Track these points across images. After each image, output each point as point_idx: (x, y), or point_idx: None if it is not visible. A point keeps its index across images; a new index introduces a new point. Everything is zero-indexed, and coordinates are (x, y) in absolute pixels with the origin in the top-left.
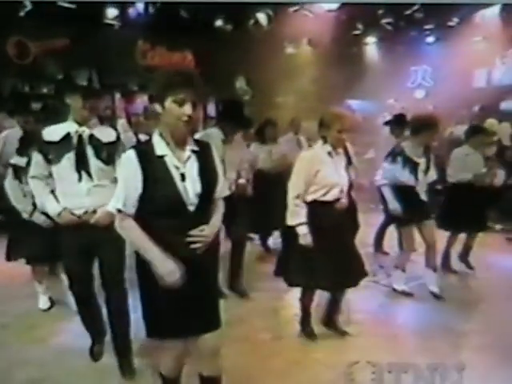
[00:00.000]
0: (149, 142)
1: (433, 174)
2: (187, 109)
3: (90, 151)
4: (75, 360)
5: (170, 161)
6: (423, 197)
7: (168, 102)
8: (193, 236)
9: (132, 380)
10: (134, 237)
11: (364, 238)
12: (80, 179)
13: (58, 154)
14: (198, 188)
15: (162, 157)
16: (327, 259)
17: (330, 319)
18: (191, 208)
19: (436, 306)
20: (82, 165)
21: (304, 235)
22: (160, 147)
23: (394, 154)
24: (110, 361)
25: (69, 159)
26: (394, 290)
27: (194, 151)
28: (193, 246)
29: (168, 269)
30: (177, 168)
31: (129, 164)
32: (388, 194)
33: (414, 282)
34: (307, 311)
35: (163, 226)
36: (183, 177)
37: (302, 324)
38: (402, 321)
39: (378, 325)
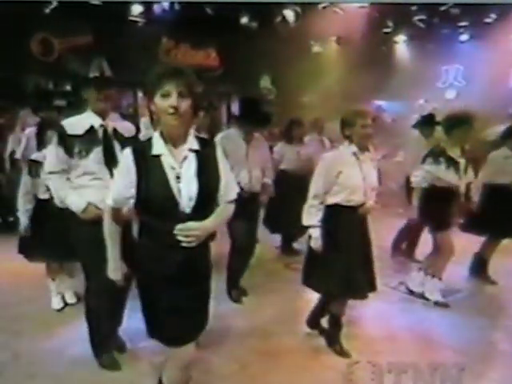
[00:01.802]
0: (149, 142)
1: (471, 175)
2: (172, 100)
3: (116, 146)
4: (90, 371)
5: (166, 161)
6: (462, 198)
7: (157, 98)
8: (180, 230)
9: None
10: (106, 233)
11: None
12: (111, 174)
13: (86, 148)
14: (194, 189)
15: (158, 156)
16: (351, 265)
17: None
18: (187, 210)
19: (448, 310)
20: (111, 160)
21: (315, 239)
22: (157, 146)
23: (434, 155)
24: (126, 371)
25: (97, 154)
26: (427, 299)
27: (194, 150)
28: (183, 242)
29: (114, 276)
30: (173, 168)
31: (124, 162)
32: (416, 200)
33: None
34: (338, 323)
35: (159, 226)
36: (178, 178)
37: (331, 340)
38: (408, 323)
39: (385, 326)
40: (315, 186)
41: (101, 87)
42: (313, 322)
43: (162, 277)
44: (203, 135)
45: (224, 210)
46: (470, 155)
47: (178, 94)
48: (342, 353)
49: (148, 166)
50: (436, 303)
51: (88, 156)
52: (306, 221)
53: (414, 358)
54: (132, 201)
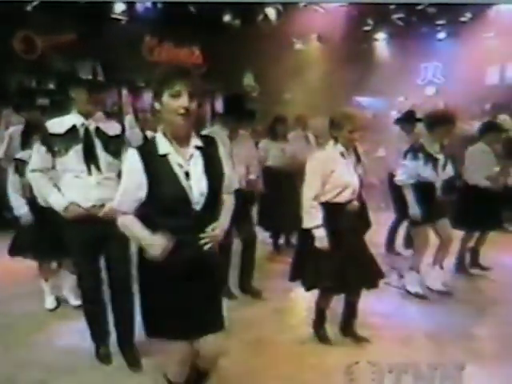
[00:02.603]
0: (152, 141)
1: (450, 171)
2: (183, 101)
3: (97, 144)
4: (81, 362)
5: (174, 159)
6: (439, 193)
7: (165, 97)
8: (205, 237)
9: (139, 371)
10: (130, 228)
11: (374, 238)
12: (90, 172)
13: (65, 146)
14: (204, 186)
15: (164, 156)
16: (342, 261)
17: (348, 325)
18: (197, 207)
19: (446, 307)
20: (90, 157)
21: (320, 238)
22: (163, 146)
23: (414, 151)
24: (116, 363)
25: (77, 151)
26: (408, 292)
27: (198, 147)
28: (205, 246)
29: (155, 251)
30: (180, 166)
31: (131, 164)
32: (411, 196)
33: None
34: (323, 315)
35: (170, 225)
36: (187, 175)
37: (316, 327)
38: (412, 322)
39: (390, 327)
40: (313, 187)
41: (93, 90)
42: (345, 327)
43: (172, 275)
44: None
45: (228, 202)
46: (447, 150)
47: (188, 95)
48: (325, 340)
49: (156, 166)
50: (416, 295)
51: (67, 153)
52: (308, 223)
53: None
54: (136, 204)
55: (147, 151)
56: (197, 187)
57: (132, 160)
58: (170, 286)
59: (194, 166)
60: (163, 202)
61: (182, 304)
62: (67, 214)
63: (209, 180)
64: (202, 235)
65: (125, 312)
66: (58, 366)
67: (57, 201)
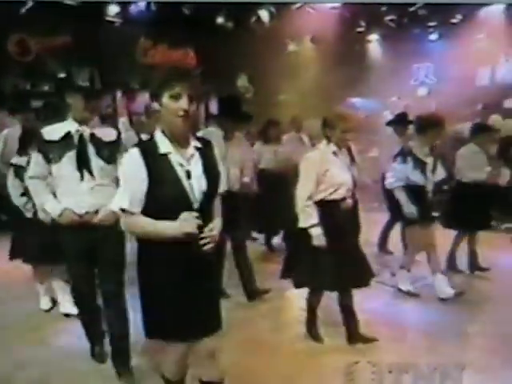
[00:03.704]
0: (151, 140)
1: (441, 173)
2: (183, 103)
3: (91, 150)
4: (77, 361)
5: (175, 158)
6: (430, 196)
7: (165, 98)
8: (205, 237)
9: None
10: (144, 226)
11: (368, 237)
12: (82, 178)
13: (59, 153)
14: (204, 186)
15: (165, 154)
16: (335, 259)
17: (353, 332)
18: (195, 206)
19: (440, 306)
20: (83, 164)
21: (318, 236)
22: (163, 145)
23: (403, 154)
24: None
25: (70, 158)
26: (400, 290)
27: (197, 148)
28: (205, 247)
29: (184, 229)
30: (181, 166)
31: (133, 162)
32: (403, 197)
33: (419, 283)
34: (314, 313)
35: None
36: (189, 174)
37: (308, 326)
38: (406, 321)
39: (384, 325)
40: (308, 187)
41: (90, 98)
42: (351, 335)
43: (172, 275)
44: None
45: (217, 203)
46: (438, 151)
47: (188, 97)
48: (318, 339)
49: (157, 165)
50: (408, 293)
51: (61, 160)
52: (305, 223)
53: (405, 355)
54: (143, 202)
55: (148, 149)
56: (198, 186)
57: (134, 158)
58: (169, 286)
59: (195, 166)
60: (164, 200)
61: (181, 305)
62: (62, 220)
63: (208, 180)
64: (201, 235)
65: (118, 316)
66: (54, 365)
67: (52, 207)
